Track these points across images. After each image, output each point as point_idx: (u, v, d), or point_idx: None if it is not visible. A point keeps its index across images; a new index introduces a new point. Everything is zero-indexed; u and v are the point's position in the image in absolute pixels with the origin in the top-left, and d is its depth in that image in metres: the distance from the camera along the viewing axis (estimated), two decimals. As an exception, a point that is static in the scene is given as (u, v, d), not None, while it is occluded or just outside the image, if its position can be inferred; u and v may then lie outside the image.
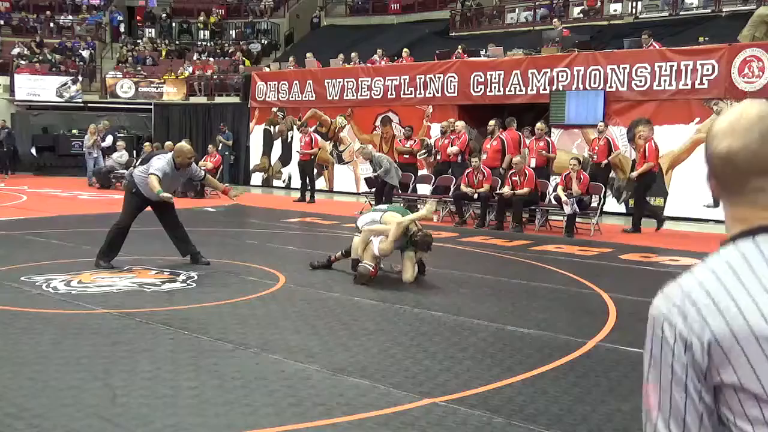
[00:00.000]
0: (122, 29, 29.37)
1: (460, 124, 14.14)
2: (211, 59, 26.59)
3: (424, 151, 15.80)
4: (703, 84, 13.10)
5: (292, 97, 19.46)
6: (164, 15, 29.70)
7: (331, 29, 27.59)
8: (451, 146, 13.86)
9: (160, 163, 7.74)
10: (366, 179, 14.07)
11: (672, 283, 1.24)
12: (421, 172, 15.26)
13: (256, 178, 20.45)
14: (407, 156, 15.00)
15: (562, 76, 14.65)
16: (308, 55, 20.45)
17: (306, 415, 3.78)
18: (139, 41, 28.34)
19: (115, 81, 24.52)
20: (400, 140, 15.53)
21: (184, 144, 8.47)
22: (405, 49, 19.28)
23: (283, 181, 19.77)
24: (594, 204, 12.05)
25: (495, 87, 15.58)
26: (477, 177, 12.47)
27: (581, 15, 21.31)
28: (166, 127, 23.07)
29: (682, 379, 1.18)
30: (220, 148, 18.84)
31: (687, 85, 13.27)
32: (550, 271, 8.34)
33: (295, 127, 19.20)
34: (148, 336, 5.23)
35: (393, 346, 5.12)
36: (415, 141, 15.13)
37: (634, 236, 11.52)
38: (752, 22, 13.79)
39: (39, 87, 24.00)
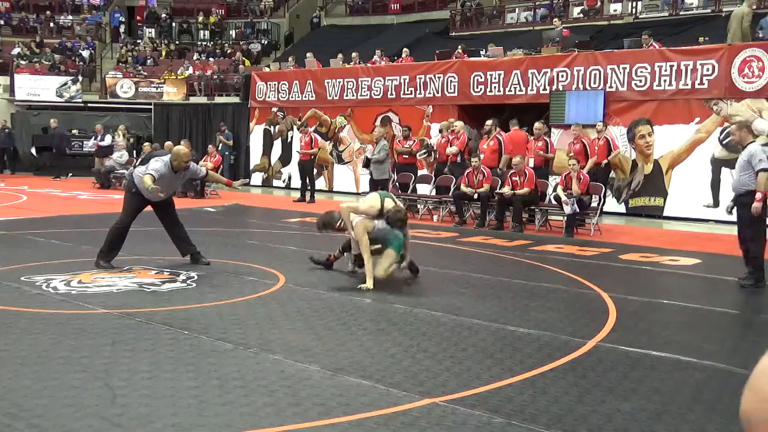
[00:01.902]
0: (122, 29, 29.38)
1: (459, 124, 14.16)
2: (211, 59, 26.59)
3: (424, 151, 15.80)
4: (703, 84, 13.11)
5: (292, 97, 19.46)
6: (164, 15, 29.71)
7: (331, 29, 27.61)
8: (450, 146, 13.89)
9: (157, 164, 7.72)
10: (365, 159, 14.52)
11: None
12: (420, 172, 15.26)
13: (256, 178, 20.44)
14: (406, 156, 15.00)
15: (562, 76, 14.64)
16: (308, 55, 20.46)
17: (306, 415, 3.78)
18: (139, 41, 28.35)
19: (115, 81, 24.52)
20: (399, 140, 15.53)
21: (180, 147, 8.45)
22: (405, 49, 19.27)
23: (283, 181, 19.77)
24: (594, 204, 12.05)
25: (495, 87, 15.58)
26: (477, 177, 12.47)
27: (581, 15, 21.32)
28: (166, 127, 23.08)
29: None
30: (220, 148, 18.85)
31: (687, 85, 13.27)
32: (550, 271, 8.34)
33: (295, 127, 19.20)
34: (148, 336, 5.23)
35: (393, 346, 5.11)
36: (414, 141, 15.13)
37: (634, 236, 11.52)
38: (730, 23, 13.75)
39: (39, 87, 24.01)
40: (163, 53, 27.44)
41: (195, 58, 26.90)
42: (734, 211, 7.78)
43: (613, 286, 7.37)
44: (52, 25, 28.38)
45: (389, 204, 7.30)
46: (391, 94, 17.39)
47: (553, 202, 12.05)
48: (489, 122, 13.63)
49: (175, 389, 4.13)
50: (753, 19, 14.07)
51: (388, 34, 25.08)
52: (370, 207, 7.25)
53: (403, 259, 7.35)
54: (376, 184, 13.69)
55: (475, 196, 12.41)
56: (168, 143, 17.63)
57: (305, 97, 19.13)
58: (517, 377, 4.49)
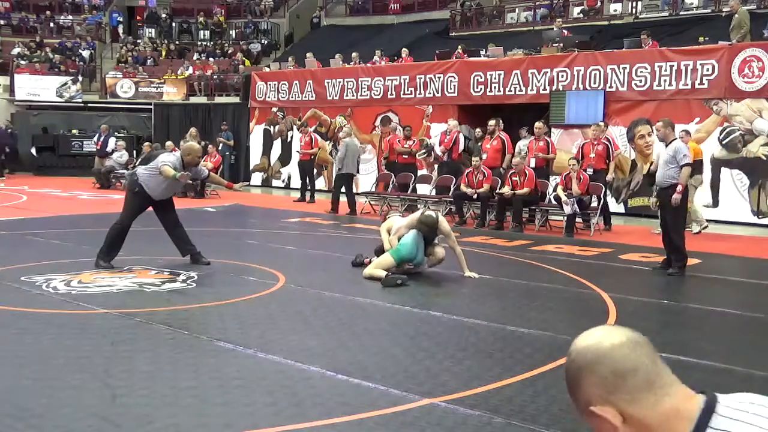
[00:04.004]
0: (121, 30, 29.36)
1: (453, 123, 14.30)
2: (211, 59, 26.58)
3: (423, 151, 15.84)
4: (703, 84, 13.11)
5: (292, 97, 19.46)
6: (164, 15, 29.70)
7: (331, 29, 27.59)
8: (439, 145, 14.24)
9: (170, 158, 7.84)
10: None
11: None
12: (420, 172, 15.29)
13: (256, 178, 20.45)
14: (406, 156, 15.04)
15: (562, 76, 14.64)
16: (308, 55, 20.46)
17: (306, 415, 3.78)
18: (139, 41, 28.34)
19: (115, 81, 24.52)
20: (399, 140, 15.55)
21: (193, 143, 8.48)
22: (404, 49, 19.27)
23: (283, 181, 19.78)
24: (594, 203, 12.03)
25: (495, 87, 15.58)
26: (477, 177, 12.47)
27: (581, 15, 21.31)
28: (166, 127, 23.07)
29: None
30: (220, 148, 18.85)
31: (687, 85, 13.27)
32: (550, 271, 8.34)
33: (295, 127, 19.20)
34: (148, 336, 5.23)
35: (393, 346, 5.11)
36: (414, 141, 15.16)
37: (634, 236, 11.52)
38: (739, 22, 13.74)
39: (39, 87, 24.00)
40: (163, 53, 27.43)
41: (195, 58, 26.89)
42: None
43: (613, 286, 7.37)
44: (52, 25, 28.37)
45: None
46: (391, 94, 17.39)
47: (553, 202, 12.06)
48: (492, 122, 13.65)
49: (175, 389, 4.13)
50: (755, 19, 14.12)
51: (388, 34, 25.07)
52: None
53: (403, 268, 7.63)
54: (344, 179, 14.01)
55: (475, 196, 12.41)
56: (168, 143, 17.64)
57: (305, 97, 19.13)
58: (517, 377, 4.49)
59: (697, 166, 11.71)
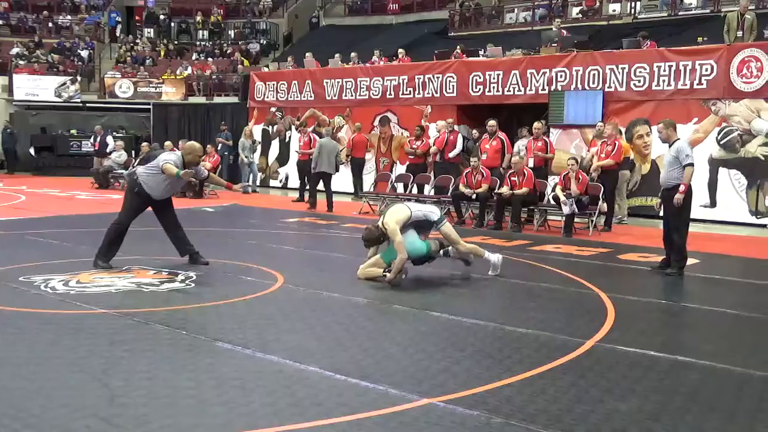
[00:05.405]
0: (119, 30, 29.35)
1: (441, 123, 14.39)
2: (210, 59, 26.57)
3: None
4: (702, 84, 13.12)
5: (290, 97, 19.46)
6: (163, 15, 29.68)
7: (330, 29, 27.60)
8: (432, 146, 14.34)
9: (171, 156, 7.85)
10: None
11: None
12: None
13: (255, 178, 20.42)
14: (412, 156, 15.09)
15: (561, 76, 14.65)
16: (307, 55, 20.46)
17: (304, 415, 3.78)
18: (137, 41, 28.32)
19: (114, 81, 24.50)
20: (409, 141, 15.60)
21: (195, 142, 8.47)
22: (400, 50, 19.23)
23: (280, 181, 19.77)
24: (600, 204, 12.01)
25: (494, 87, 15.59)
26: (475, 177, 12.47)
27: (580, 15, 21.33)
28: (165, 127, 23.06)
29: None
30: (219, 148, 18.84)
31: (686, 85, 13.29)
32: (548, 271, 8.34)
33: (293, 127, 19.19)
34: (146, 336, 5.23)
35: (392, 346, 5.11)
36: (422, 142, 15.19)
37: (632, 236, 11.53)
38: (743, 24, 13.79)
39: (38, 87, 24.00)
40: (162, 53, 27.42)
41: (194, 58, 26.89)
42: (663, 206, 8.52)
43: (612, 286, 7.37)
44: (50, 25, 28.36)
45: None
46: (390, 94, 17.40)
47: (552, 202, 12.06)
48: (493, 122, 13.64)
49: (173, 389, 4.12)
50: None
51: (387, 34, 25.07)
52: (398, 221, 7.42)
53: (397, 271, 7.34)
54: (317, 177, 14.40)
55: (474, 196, 12.41)
56: (167, 143, 17.62)
57: (304, 97, 19.14)
58: (516, 377, 4.49)
59: (624, 164, 12.36)
